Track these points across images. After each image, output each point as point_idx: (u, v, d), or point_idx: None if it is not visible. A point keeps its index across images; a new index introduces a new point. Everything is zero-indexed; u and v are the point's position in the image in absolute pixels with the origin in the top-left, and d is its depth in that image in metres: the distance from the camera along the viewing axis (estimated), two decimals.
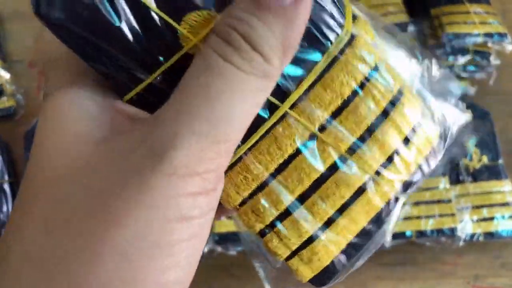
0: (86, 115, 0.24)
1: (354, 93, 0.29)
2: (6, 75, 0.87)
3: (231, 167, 0.28)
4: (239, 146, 0.28)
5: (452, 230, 0.81)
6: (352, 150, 0.30)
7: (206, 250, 0.75)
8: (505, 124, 1.03)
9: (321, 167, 0.29)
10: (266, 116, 0.28)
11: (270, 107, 0.28)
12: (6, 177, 0.80)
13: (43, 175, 0.23)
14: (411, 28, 0.92)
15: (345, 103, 0.29)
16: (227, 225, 0.72)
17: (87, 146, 0.23)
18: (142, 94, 0.26)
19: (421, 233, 0.81)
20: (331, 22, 0.28)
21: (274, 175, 0.29)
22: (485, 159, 0.90)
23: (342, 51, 0.28)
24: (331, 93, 0.28)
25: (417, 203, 0.82)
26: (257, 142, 0.29)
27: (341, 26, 0.29)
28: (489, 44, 0.94)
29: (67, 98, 0.24)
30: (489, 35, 0.92)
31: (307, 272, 0.31)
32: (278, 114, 0.28)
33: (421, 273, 0.88)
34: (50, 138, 0.23)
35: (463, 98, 0.96)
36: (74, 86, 0.24)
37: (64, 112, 0.23)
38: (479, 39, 0.92)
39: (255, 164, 0.28)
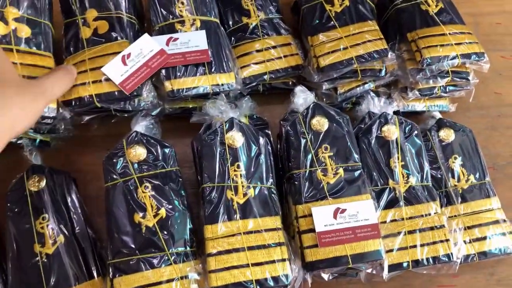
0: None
1: None
2: None
3: None
4: None
5: (448, 256, 0.78)
6: None
7: None
8: (487, 137, 1.02)
9: None
10: None
11: None
12: None
13: None
14: (390, 55, 0.89)
15: None
16: (224, 278, 0.68)
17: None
18: None
19: (417, 263, 0.77)
20: None
21: None
22: (472, 179, 0.88)
23: None
24: None
25: (410, 232, 0.78)
26: None
27: None
28: (467, 65, 0.92)
29: None
30: (466, 56, 0.89)
31: None
32: None
33: None
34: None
35: (445, 116, 0.94)
36: None
37: None
38: (457, 61, 0.89)
39: None
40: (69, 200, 0.77)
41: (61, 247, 0.73)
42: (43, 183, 0.76)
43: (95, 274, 0.73)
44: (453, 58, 0.89)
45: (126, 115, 0.85)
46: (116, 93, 0.79)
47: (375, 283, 0.84)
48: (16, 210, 0.75)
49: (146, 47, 0.83)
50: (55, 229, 0.73)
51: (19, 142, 0.83)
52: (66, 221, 0.75)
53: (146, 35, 0.84)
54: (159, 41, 0.85)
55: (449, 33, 0.91)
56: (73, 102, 0.79)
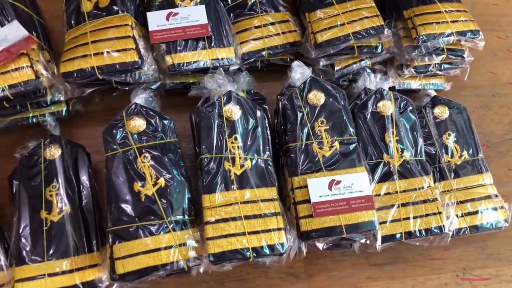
0: None
1: None
2: None
3: None
4: None
5: (440, 228, 0.78)
6: None
7: (201, 270, 0.72)
8: (481, 116, 1.02)
9: None
10: None
11: None
12: None
13: None
14: (387, 32, 0.89)
15: None
16: (221, 245, 0.69)
17: None
18: None
19: (409, 234, 0.78)
20: None
21: None
22: (465, 155, 0.88)
23: None
24: None
25: (404, 205, 0.79)
26: None
27: None
28: (462, 42, 0.92)
29: None
30: (462, 33, 0.89)
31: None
32: None
33: (411, 270, 0.86)
34: None
35: (440, 94, 0.94)
36: None
37: None
38: (452, 38, 0.89)
39: None
40: (80, 173, 0.77)
41: (66, 217, 0.73)
42: (58, 153, 0.77)
43: (95, 248, 0.74)
44: (449, 35, 0.89)
45: (126, 88, 0.85)
46: (117, 65, 0.80)
47: (369, 255, 0.85)
48: (28, 175, 0.75)
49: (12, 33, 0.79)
50: (63, 199, 0.74)
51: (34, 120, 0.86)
52: (74, 193, 0.75)
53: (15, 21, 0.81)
54: (159, 16, 0.85)
55: (445, 11, 0.91)
56: (75, 74, 0.79)
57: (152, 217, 0.70)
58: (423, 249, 0.87)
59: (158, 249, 0.69)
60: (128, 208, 0.71)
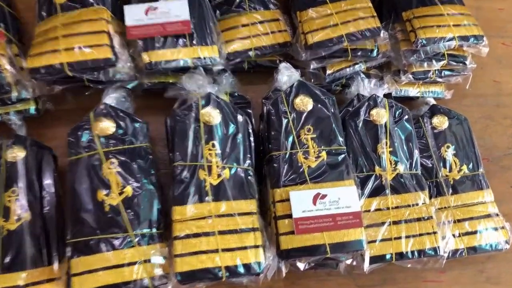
0: None
1: None
2: None
3: None
4: None
5: (435, 250, 0.72)
6: None
7: None
8: (483, 127, 0.95)
9: None
10: None
11: None
12: None
13: None
14: (383, 34, 0.83)
15: None
16: (190, 263, 0.62)
17: None
18: None
19: (401, 255, 0.71)
20: None
21: None
22: (465, 169, 0.82)
23: None
24: None
25: (396, 223, 0.73)
26: None
27: None
28: (465, 48, 0.85)
29: None
30: (464, 38, 0.83)
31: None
32: None
33: None
34: None
35: (440, 103, 0.88)
36: None
37: None
38: (454, 43, 0.83)
39: None
40: (44, 177, 0.71)
41: (25, 225, 0.67)
42: (21, 155, 0.70)
43: (55, 260, 0.67)
44: (450, 39, 0.82)
45: (100, 86, 0.79)
46: (89, 62, 0.73)
47: (356, 276, 0.79)
48: None
49: None
50: (23, 205, 0.67)
51: None
52: (36, 199, 0.69)
53: None
54: (137, 9, 0.79)
55: (447, 14, 0.84)
56: (43, 70, 0.73)
57: (115, 230, 0.64)
58: (416, 271, 0.80)
59: (121, 265, 0.63)
60: (90, 218, 0.64)
